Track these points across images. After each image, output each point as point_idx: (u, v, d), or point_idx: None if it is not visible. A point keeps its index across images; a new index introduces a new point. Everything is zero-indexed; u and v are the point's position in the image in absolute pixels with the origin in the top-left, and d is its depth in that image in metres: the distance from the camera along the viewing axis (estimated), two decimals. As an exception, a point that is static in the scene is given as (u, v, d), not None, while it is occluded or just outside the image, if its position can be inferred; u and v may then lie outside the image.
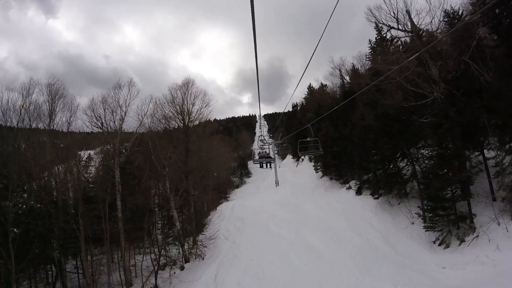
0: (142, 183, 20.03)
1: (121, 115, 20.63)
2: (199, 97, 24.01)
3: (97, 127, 20.83)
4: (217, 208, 33.30)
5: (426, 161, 16.51)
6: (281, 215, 24.04)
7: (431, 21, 19.00)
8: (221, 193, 45.87)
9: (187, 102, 23.61)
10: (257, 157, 20.94)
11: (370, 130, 19.19)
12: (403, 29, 19.43)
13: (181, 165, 22.96)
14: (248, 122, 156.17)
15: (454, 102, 15.64)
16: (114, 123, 20.90)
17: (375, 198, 20.63)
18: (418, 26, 18.96)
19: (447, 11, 17.25)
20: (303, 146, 15.02)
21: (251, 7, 2.73)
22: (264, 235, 20.27)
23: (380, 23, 19.38)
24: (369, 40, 41.38)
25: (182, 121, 23.36)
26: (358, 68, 42.19)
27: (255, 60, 4.40)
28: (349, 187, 24.41)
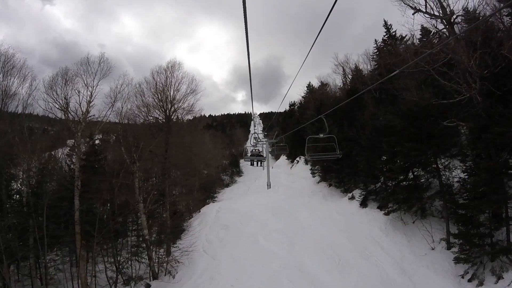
0: (107, 179, 16.41)
1: (88, 98, 16.97)
2: (184, 82, 20.39)
3: (60, 110, 17.13)
4: (201, 209, 29.81)
5: (458, 174, 13.26)
6: (273, 225, 20.69)
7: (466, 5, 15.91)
8: (208, 193, 42.30)
9: (170, 88, 20.01)
10: (249, 154, 20.28)
11: (388, 131, 15.92)
12: (432, 13, 16.32)
13: (161, 159, 19.48)
14: (244, 120, 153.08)
15: (492, 103, 12.48)
16: (80, 106, 17.28)
17: (385, 214, 17.36)
18: (449, 9, 15.91)
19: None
20: (312, 146, 11.59)
21: (243, 5, 2.63)
22: (251, 250, 16.91)
23: (405, 3, 16.11)
24: (375, 40, 38.82)
25: (162, 109, 19.75)
26: (361, 69, 39.68)
27: (247, 57, 4.03)
28: (352, 197, 21.13)
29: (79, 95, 17.31)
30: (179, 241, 20.35)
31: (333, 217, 20.39)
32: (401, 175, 15.72)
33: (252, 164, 24.10)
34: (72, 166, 16.96)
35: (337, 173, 23.59)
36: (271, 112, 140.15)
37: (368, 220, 18.35)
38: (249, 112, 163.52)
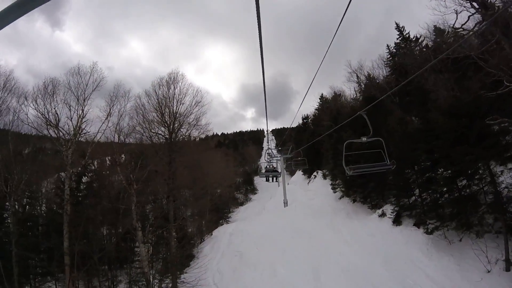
0: (101, 204, 14.50)
1: (80, 112, 15.37)
2: (189, 94, 18.64)
3: (50, 125, 15.55)
4: (213, 232, 27.45)
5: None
6: (292, 250, 18.18)
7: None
8: (221, 213, 39.96)
9: (172, 101, 18.27)
10: (263, 170, 20.27)
11: (427, 135, 13.56)
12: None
13: (167, 181, 17.51)
14: (256, 137, 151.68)
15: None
16: (72, 121, 15.71)
17: (427, 233, 14.63)
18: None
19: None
20: (351, 155, 9.37)
21: (258, 26, 2.91)
22: (268, 283, 14.45)
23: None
24: (387, 45, 36.56)
25: (166, 124, 17.93)
26: (377, 74, 37.51)
27: (262, 73, 4.43)
28: (383, 214, 18.46)
29: (70, 109, 15.78)
30: (188, 269, 18.09)
31: (362, 239, 17.71)
32: (446, 186, 13.10)
33: (267, 180, 23.15)
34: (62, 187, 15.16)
35: (362, 188, 20.96)
36: (283, 127, 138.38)
37: (405, 241, 15.66)
38: (261, 129, 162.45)
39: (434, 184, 13.95)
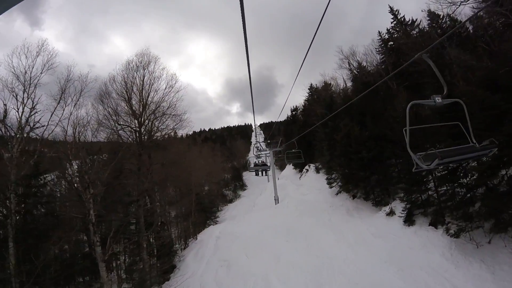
0: (53, 214, 11.51)
1: (26, 102, 12.30)
2: (163, 79, 15.71)
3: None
4: (198, 236, 24.68)
5: None
6: (288, 256, 15.64)
7: None
8: (209, 212, 37.18)
9: (141, 88, 15.29)
10: (252, 164, 20.84)
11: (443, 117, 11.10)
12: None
13: (136, 181, 14.62)
14: (244, 131, 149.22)
15: None
16: (18, 112, 12.62)
17: (454, 236, 12.21)
18: None
19: None
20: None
21: (242, 20, 2.82)
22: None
23: None
24: (379, 32, 34.31)
25: (134, 115, 14.96)
26: (367, 63, 35.46)
27: (247, 67, 4.70)
28: (391, 212, 16.06)
29: (16, 98, 12.67)
30: (167, 283, 15.36)
31: (368, 241, 15.27)
32: (483, 179, 10.65)
33: (257, 174, 24.04)
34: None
35: (364, 182, 18.48)
36: (271, 122, 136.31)
37: (422, 244, 13.27)
38: (249, 124, 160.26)
39: (459, 176, 11.49)
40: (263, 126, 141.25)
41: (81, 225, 12.01)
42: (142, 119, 14.92)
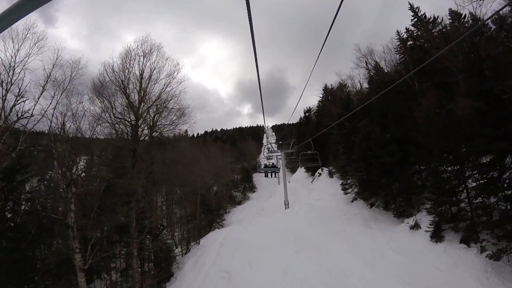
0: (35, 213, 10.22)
1: (7, 88, 11.12)
2: (165, 70, 14.33)
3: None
4: (201, 240, 23.22)
5: None
6: (297, 270, 13.93)
7: None
8: (214, 215, 35.73)
9: (141, 79, 13.93)
10: (262, 166, 21.86)
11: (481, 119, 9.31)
12: None
13: (129, 181, 13.24)
14: (255, 132, 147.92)
15: None
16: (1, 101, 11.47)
17: (491, 258, 10.34)
18: None
19: None
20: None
21: (249, 22, 3.02)
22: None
23: None
24: (397, 31, 32.51)
25: (129, 107, 13.63)
26: (383, 67, 33.60)
27: (256, 70, 4.83)
28: (415, 226, 14.16)
29: (1, 85, 11.51)
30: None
31: (388, 258, 13.43)
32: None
33: (266, 176, 24.16)
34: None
35: (385, 189, 16.55)
36: (283, 124, 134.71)
37: (452, 265, 11.41)
38: (261, 125, 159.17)
39: (502, 187, 9.62)
40: (275, 128, 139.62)
41: (61, 229, 10.70)
42: (141, 111, 13.58)
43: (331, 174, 31.47)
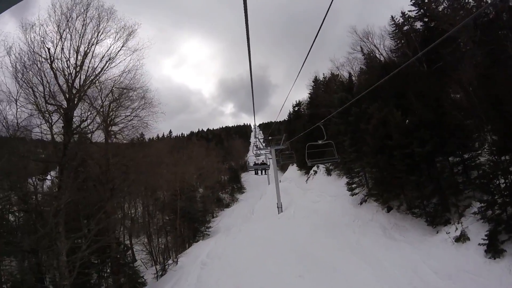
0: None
1: None
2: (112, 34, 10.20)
3: None
4: (180, 258, 19.10)
5: None
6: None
7: None
8: (198, 223, 31.52)
9: (78, 46, 9.75)
10: (251, 164, 21.73)
11: None
12: None
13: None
14: (242, 130, 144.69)
15: None
16: None
17: None
18: None
19: None
20: None
21: (245, 19, 2.91)
22: None
23: None
24: (392, 17, 30.05)
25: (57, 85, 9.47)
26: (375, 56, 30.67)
27: (249, 67, 4.59)
28: (462, 237, 10.50)
29: None
30: None
31: (431, 285, 9.73)
32: None
33: (256, 173, 23.39)
34: None
35: (416, 191, 12.74)
36: (270, 121, 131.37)
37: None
38: (247, 124, 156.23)
39: None
40: (262, 126, 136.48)
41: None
42: (74, 94, 9.42)
43: (328, 172, 27.87)
